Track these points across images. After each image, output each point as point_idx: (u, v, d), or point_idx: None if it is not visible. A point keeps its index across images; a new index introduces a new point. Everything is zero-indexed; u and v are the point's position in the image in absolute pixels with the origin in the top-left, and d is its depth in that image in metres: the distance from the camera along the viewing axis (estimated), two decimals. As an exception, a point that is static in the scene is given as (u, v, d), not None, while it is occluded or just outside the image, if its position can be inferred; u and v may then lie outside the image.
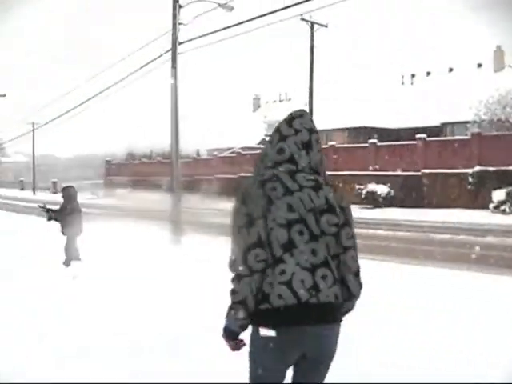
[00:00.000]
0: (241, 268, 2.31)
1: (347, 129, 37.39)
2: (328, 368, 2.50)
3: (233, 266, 2.35)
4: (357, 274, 2.51)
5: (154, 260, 9.73)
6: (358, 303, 2.59)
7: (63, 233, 9.58)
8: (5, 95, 32.87)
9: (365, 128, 35.98)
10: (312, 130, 2.62)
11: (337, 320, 2.43)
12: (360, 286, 2.53)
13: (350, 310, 2.55)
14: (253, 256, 2.30)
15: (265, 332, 2.31)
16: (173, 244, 13.41)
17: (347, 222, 2.53)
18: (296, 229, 2.36)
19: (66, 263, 9.42)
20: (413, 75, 42.22)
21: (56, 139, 76.28)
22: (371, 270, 8.91)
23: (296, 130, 2.56)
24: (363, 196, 27.15)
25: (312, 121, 2.66)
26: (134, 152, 56.86)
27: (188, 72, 40.91)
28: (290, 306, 2.27)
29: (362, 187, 27.48)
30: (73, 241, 9.55)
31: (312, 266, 2.33)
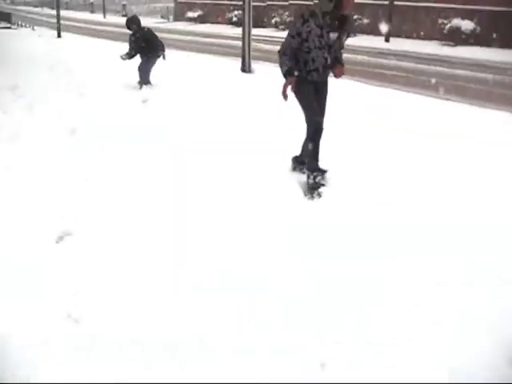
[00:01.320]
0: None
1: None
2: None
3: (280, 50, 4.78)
4: None
5: (225, 86, 9.80)
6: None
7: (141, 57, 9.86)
8: None
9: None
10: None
11: None
12: None
13: None
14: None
15: None
16: (244, 71, 13.28)
17: None
18: None
19: (140, 84, 9.79)
20: None
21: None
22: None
23: None
24: (445, 31, 25.34)
25: None
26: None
27: None
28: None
29: (445, 21, 25.52)
30: (147, 64, 9.77)
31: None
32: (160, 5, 57.13)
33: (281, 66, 4.71)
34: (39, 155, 5.36)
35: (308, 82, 4.78)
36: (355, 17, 30.12)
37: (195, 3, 43.61)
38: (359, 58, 18.50)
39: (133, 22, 9.86)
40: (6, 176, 4.70)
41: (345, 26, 4.73)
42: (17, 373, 2.33)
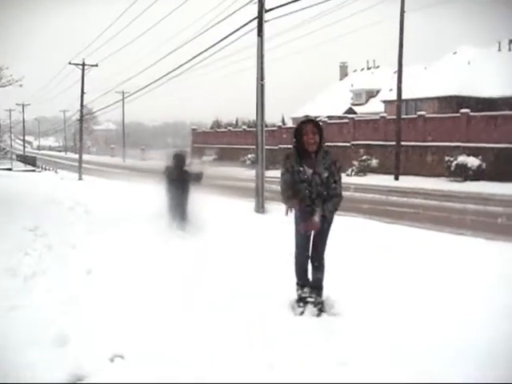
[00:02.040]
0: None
1: (437, 98, 35.85)
2: None
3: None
4: None
5: (239, 226, 9.90)
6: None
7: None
8: (96, 65, 33.98)
9: (456, 97, 34.34)
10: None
11: None
12: None
13: None
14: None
15: None
16: (258, 212, 13.58)
17: None
18: None
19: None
20: (511, 41, 39.69)
21: (145, 107, 78.25)
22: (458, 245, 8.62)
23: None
24: (452, 168, 26.17)
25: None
26: (219, 120, 57.58)
27: (273, 40, 40.49)
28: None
29: (451, 159, 26.46)
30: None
31: None
32: (176, 149, 59.69)
33: (284, 201, 5.25)
34: (51, 295, 5.42)
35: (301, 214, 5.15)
36: (364, 157, 31.35)
37: (211, 147, 45.76)
38: (370, 196, 18.99)
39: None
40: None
41: (318, 163, 4.96)
42: None
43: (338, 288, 5.51)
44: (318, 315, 5.02)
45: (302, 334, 4.51)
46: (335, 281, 5.57)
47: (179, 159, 9.81)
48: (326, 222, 5.14)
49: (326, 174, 5.01)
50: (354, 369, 3.82)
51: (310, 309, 5.08)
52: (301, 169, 5.02)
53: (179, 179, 9.47)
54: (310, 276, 5.29)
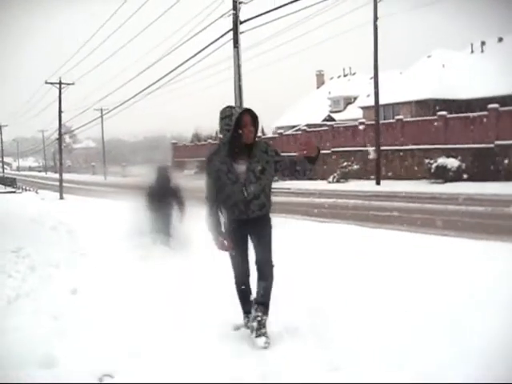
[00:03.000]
0: None
1: (414, 101, 36.24)
2: None
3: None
4: None
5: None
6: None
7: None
8: (73, 83, 33.81)
9: (433, 100, 34.75)
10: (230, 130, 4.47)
11: None
12: None
13: None
14: None
15: None
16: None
17: None
18: None
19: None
20: (483, 42, 40.31)
21: (124, 123, 78.21)
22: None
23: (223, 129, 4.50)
24: (433, 170, 26.42)
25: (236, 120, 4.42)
26: (199, 133, 57.58)
27: (249, 51, 40.87)
28: None
29: (431, 161, 26.71)
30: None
31: None
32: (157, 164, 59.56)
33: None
34: (37, 316, 5.35)
35: (234, 224, 4.58)
36: (345, 163, 31.53)
37: (190, 161, 45.73)
38: (352, 202, 19.07)
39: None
40: None
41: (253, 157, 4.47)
42: None
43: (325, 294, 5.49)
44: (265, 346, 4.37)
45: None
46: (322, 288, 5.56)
47: (163, 173, 9.78)
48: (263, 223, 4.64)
49: (259, 168, 4.48)
50: (348, 373, 3.81)
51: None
52: (234, 166, 4.45)
53: (163, 194, 9.42)
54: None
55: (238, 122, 4.35)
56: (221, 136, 4.53)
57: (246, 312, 4.73)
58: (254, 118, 4.46)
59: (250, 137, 4.42)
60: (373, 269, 6.80)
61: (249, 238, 4.69)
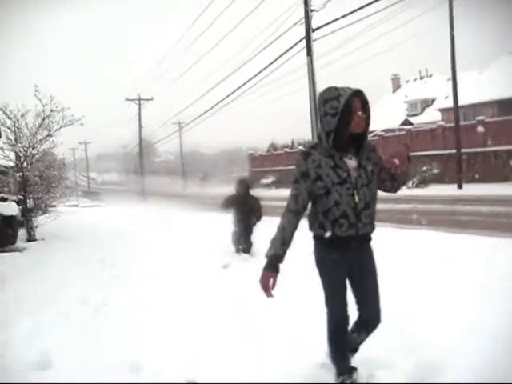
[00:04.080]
0: None
1: (496, 101, 34.86)
2: None
3: None
4: None
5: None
6: None
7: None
8: (152, 99, 34.95)
9: (517, 99, 33.31)
10: (336, 115, 3.34)
11: None
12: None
13: None
14: None
15: None
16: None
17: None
18: None
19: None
20: None
21: (201, 137, 79.83)
22: None
23: (326, 113, 3.39)
24: (518, 172, 25.30)
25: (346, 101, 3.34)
26: (275, 143, 57.91)
27: (322, 58, 40.80)
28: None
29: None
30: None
31: None
32: (235, 175, 60.48)
33: (272, 241, 3.36)
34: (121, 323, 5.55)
35: (334, 246, 3.39)
36: (424, 168, 30.70)
37: (268, 170, 45.99)
38: (433, 207, 18.54)
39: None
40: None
41: (363, 152, 3.45)
42: None
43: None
44: None
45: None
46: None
47: (243, 185, 10.06)
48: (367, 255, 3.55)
49: (370, 167, 3.45)
50: None
51: None
52: (343, 160, 3.35)
53: (244, 204, 9.69)
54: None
55: (348, 106, 3.29)
56: (320, 127, 3.50)
57: (342, 373, 3.54)
58: (366, 103, 3.43)
59: (361, 125, 3.36)
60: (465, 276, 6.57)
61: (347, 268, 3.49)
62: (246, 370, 4.04)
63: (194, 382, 3.97)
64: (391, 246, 9.41)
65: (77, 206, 38.47)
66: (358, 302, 3.51)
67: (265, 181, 43.27)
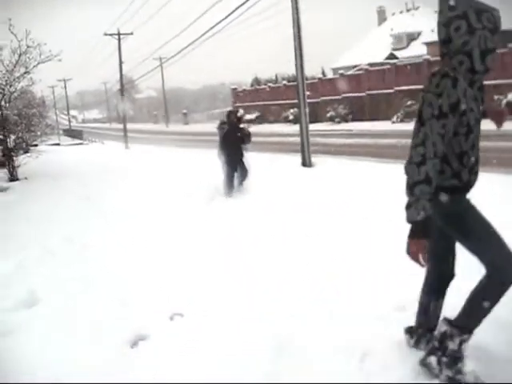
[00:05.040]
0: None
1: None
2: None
3: None
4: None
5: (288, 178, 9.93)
6: None
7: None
8: (132, 33, 34.00)
9: (504, 31, 32.82)
10: (495, 31, 2.61)
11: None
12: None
13: None
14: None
15: None
16: (305, 166, 13.57)
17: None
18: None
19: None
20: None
21: (183, 72, 78.38)
22: None
23: (483, 26, 2.58)
24: (502, 107, 25.27)
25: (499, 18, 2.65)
26: (259, 78, 57.09)
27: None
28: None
29: (501, 97, 25.50)
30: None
31: None
32: (218, 110, 59.81)
33: (411, 194, 2.53)
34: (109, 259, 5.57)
35: (463, 197, 2.76)
36: (409, 102, 30.54)
37: (252, 105, 45.53)
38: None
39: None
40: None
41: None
42: None
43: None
44: None
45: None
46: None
47: (234, 116, 9.86)
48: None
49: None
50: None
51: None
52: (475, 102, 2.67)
53: (235, 136, 9.53)
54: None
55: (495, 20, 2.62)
56: (458, 45, 2.63)
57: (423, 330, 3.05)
58: None
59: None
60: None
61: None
62: (235, 306, 4.10)
63: (181, 314, 4.04)
64: (377, 181, 9.48)
65: (58, 144, 37.93)
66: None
67: (249, 116, 42.86)
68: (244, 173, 9.59)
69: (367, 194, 8.09)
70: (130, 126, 39.03)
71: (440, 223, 2.73)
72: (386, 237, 5.24)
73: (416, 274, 3.08)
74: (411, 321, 3.16)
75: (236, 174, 9.60)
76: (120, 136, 35.33)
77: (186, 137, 35.69)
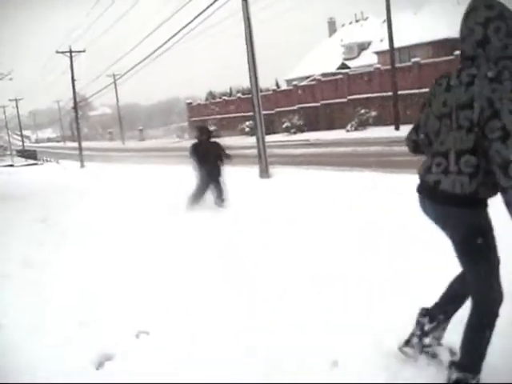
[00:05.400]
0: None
1: (430, 42, 35.36)
2: (460, 251, 2.68)
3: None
4: (501, 165, 2.38)
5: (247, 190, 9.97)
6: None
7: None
8: (84, 51, 33.67)
9: (450, 39, 33.85)
10: (486, 24, 2.55)
11: (445, 203, 2.62)
12: (507, 178, 2.36)
13: (508, 202, 2.40)
14: (408, 135, 3.10)
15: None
16: (263, 177, 13.61)
17: (495, 114, 2.41)
18: (443, 122, 2.66)
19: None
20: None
21: (137, 88, 77.83)
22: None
23: (469, 29, 2.64)
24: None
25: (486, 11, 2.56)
26: (214, 91, 57.18)
27: (259, 2, 40.08)
28: (419, 180, 2.82)
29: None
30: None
31: (435, 153, 2.71)
32: (174, 125, 59.61)
33: None
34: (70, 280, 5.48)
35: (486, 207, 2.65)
36: (362, 111, 31.10)
37: (207, 119, 45.55)
38: (372, 149, 18.92)
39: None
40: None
41: None
42: None
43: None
44: None
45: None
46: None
47: (205, 131, 9.77)
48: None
49: None
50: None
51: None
52: None
53: (206, 152, 9.40)
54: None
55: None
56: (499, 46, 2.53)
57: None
58: None
59: None
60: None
61: None
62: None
63: (146, 332, 3.99)
64: (336, 189, 9.62)
65: (12, 165, 37.11)
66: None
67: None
68: (221, 191, 9.37)
69: (326, 201, 8.21)
70: (85, 144, 38.51)
71: (457, 233, 2.66)
72: (350, 242, 5.33)
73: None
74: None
75: (209, 190, 9.43)
76: (75, 155, 34.80)
77: (143, 153, 35.47)
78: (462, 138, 2.52)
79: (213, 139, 9.96)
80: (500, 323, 2.66)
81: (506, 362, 2.92)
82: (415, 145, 3.01)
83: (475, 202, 2.56)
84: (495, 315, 2.62)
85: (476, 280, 2.66)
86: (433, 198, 2.70)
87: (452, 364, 2.77)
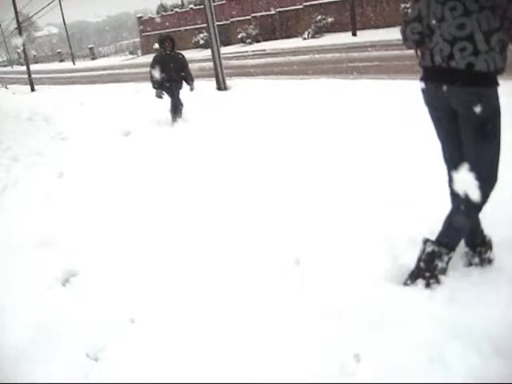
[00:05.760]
0: (401, 37, 2.96)
1: None
2: (479, 132, 2.65)
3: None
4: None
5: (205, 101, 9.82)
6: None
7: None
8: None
9: None
10: None
11: (479, 84, 2.58)
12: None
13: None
14: (409, 29, 2.86)
15: (420, 85, 2.87)
16: (220, 89, 13.42)
17: None
18: (449, 5, 2.57)
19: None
20: None
21: (84, 3, 74.18)
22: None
23: None
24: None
25: None
26: (165, 4, 54.90)
27: None
28: (428, 67, 2.77)
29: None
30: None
31: (454, 38, 2.59)
32: (126, 42, 57.49)
33: None
34: (28, 201, 5.37)
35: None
36: (319, 17, 30.42)
37: (159, 34, 44.04)
38: (329, 56, 18.66)
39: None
40: None
41: None
42: None
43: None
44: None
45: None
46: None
47: (169, 40, 9.20)
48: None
49: None
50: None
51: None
52: None
53: (173, 62, 8.98)
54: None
55: None
56: None
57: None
58: None
59: None
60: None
61: None
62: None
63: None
64: (293, 97, 9.53)
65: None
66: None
67: (157, 45, 41.43)
68: (178, 106, 9.11)
69: (284, 110, 8.15)
70: (34, 67, 36.92)
71: (480, 114, 2.61)
72: (310, 149, 5.32)
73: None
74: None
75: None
76: (24, 78, 33.40)
77: (95, 72, 34.25)
78: (489, 19, 2.50)
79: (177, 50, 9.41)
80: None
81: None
82: (421, 37, 2.80)
83: (497, 81, 2.62)
84: (487, 197, 2.71)
85: (485, 160, 2.69)
86: (463, 81, 2.59)
87: (427, 240, 2.86)
